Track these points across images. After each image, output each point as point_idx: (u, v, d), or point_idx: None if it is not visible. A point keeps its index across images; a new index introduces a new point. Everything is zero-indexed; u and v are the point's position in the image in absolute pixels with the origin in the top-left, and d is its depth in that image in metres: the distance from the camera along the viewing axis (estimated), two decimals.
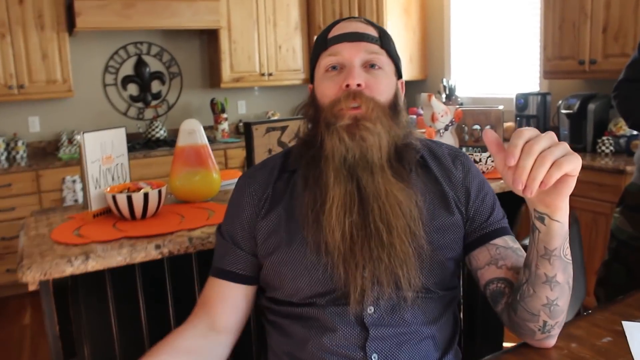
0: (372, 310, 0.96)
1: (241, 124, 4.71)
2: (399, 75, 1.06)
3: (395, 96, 1.02)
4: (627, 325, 1.06)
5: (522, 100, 3.54)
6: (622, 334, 1.03)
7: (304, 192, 1.00)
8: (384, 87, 1.00)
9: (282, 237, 1.00)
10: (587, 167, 2.86)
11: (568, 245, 0.89)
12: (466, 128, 1.97)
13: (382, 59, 1.01)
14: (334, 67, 1.00)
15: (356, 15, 4.25)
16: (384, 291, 0.94)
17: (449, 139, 1.90)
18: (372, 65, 1.00)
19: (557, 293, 0.89)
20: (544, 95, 3.49)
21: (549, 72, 3.32)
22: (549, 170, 0.75)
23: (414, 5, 4.54)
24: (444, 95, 4.11)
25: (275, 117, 4.76)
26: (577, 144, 3.20)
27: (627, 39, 2.87)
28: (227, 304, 1.04)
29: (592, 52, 3.04)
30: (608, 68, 2.97)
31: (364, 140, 0.95)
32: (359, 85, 0.96)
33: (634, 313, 1.13)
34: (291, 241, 0.99)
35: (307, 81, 4.73)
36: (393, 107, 1.01)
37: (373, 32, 1.02)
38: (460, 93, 4.25)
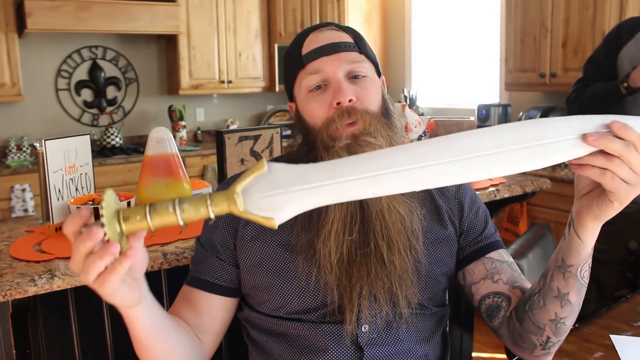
0: (367, 328, 0.92)
1: (199, 132, 4.60)
2: (378, 72, 1.01)
3: (384, 99, 0.98)
4: (616, 339, 1.06)
5: (484, 112, 3.60)
6: (612, 348, 1.03)
7: None
8: (373, 95, 0.95)
9: (269, 246, 0.95)
10: (548, 177, 2.91)
11: (588, 268, 0.86)
12: None
13: (364, 65, 0.96)
14: (318, 86, 0.94)
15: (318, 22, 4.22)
16: (381, 309, 0.90)
17: None
18: (356, 76, 0.95)
19: (566, 312, 0.87)
20: (505, 106, 3.55)
21: (510, 84, 3.39)
22: (600, 169, 0.67)
23: (375, 15, 4.56)
24: None
25: (235, 125, 4.68)
26: None
27: (586, 53, 2.95)
28: (197, 312, 0.96)
29: (552, 66, 3.11)
30: (568, 81, 3.04)
31: None
32: (350, 100, 0.91)
33: (620, 326, 1.13)
34: (279, 251, 0.94)
35: (267, 89, 4.70)
36: (386, 113, 0.97)
37: (348, 38, 0.97)
38: (421, 103, 4.28)
